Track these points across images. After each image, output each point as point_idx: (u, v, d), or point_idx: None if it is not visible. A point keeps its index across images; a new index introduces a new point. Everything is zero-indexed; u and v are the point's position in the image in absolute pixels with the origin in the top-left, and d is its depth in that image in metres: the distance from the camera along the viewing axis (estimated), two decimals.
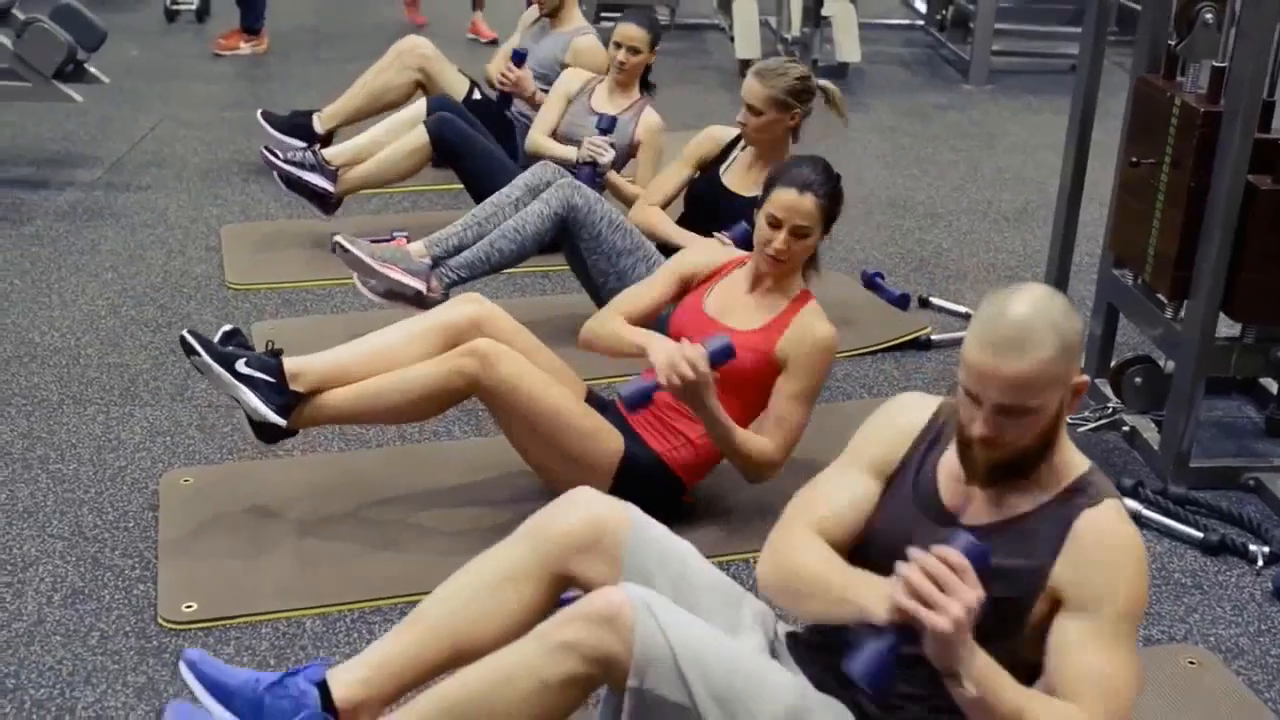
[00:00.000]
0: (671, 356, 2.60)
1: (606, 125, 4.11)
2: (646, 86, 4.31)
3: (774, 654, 2.02)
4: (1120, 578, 1.78)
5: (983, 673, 1.70)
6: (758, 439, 2.78)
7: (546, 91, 4.51)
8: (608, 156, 4.05)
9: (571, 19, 4.78)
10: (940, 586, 1.65)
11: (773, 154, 3.54)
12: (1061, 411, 1.81)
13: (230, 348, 2.77)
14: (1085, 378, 1.82)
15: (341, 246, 3.51)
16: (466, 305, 2.90)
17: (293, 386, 2.74)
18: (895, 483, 1.96)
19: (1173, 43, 3.21)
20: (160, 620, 2.55)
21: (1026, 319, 1.74)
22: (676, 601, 1.92)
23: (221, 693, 2.02)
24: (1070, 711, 1.74)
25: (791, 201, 2.75)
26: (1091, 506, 1.82)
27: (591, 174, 4.02)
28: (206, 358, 2.71)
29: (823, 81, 3.64)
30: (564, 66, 4.60)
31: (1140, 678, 1.81)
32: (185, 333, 2.73)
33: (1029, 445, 1.81)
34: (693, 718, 1.81)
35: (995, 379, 1.74)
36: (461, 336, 2.82)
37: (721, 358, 2.61)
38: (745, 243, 3.31)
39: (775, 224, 2.77)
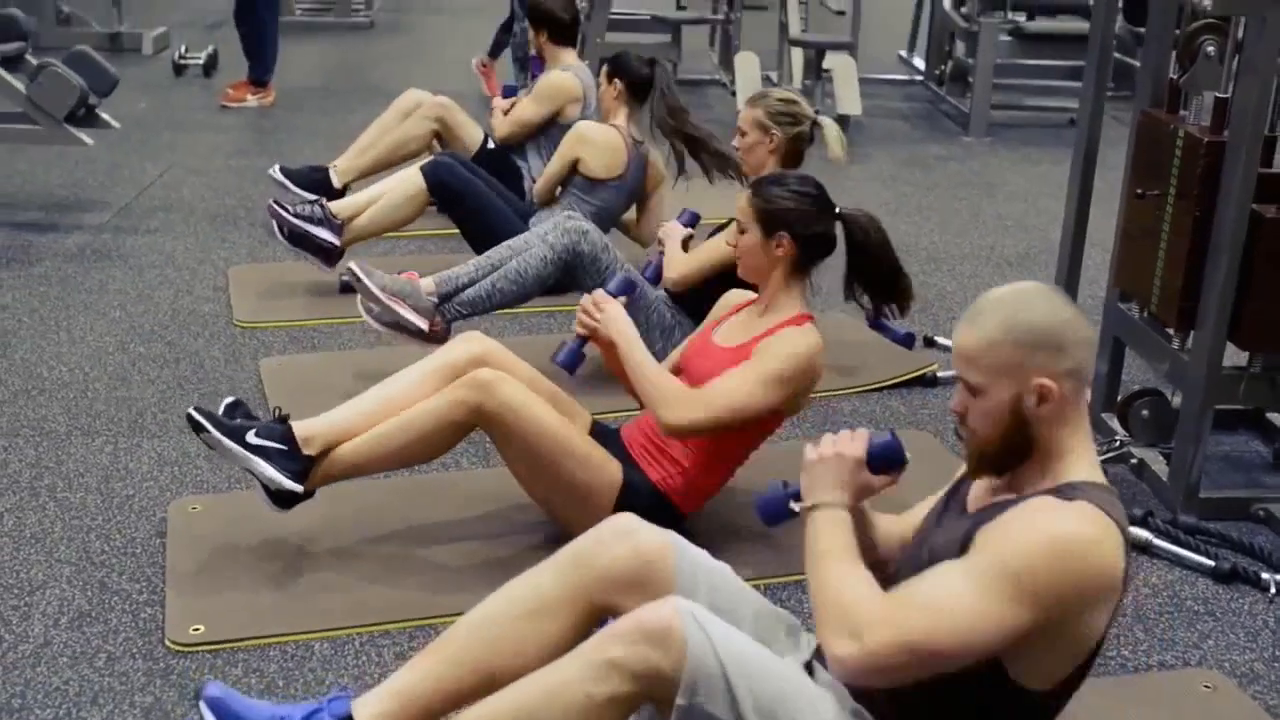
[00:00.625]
0: (581, 303, 2.81)
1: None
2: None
3: (810, 670, 2.00)
4: (1016, 535, 1.72)
5: (826, 516, 1.91)
6: (681, 385, 2.75)
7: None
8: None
9: (558, 60, 4.85)
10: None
11: None
12: (1020, 409, 1.79)
13: (238, 420, 2.75)
14: (1049, 381, 1.78)
15: (354, 274, 3.54)
16: (467, 344, 2.90)
17: (305, 451, 2.72)
18: (951, 486, 2.04)
19: (1175, 76, 3.25)
20: (168, 642, 2.54)
21: (991, 297, 1.83)
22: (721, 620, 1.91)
23: None
24: (864, 594, 1.76)
25: (739, 198, 2.86)
26: (1053, 498, 1.78)
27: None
28: (216, 433, 2.68)
29: (821, 117, 3.67)
30: None
31: (962, 628, 1.69)
32: (191, 410, 2.70)
33: (995, 439, 1.82)
34: None
35: (954, 348, 1.86)
36: (463, 375, 2.82)
37: (623, 289, 2.88)
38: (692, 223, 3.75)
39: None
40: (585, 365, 3.01)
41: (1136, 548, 3.00)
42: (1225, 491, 3.23)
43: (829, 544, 1.87)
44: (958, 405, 1.87)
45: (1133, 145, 3.40)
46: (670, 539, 2.06)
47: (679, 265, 3.65)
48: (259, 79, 7.04)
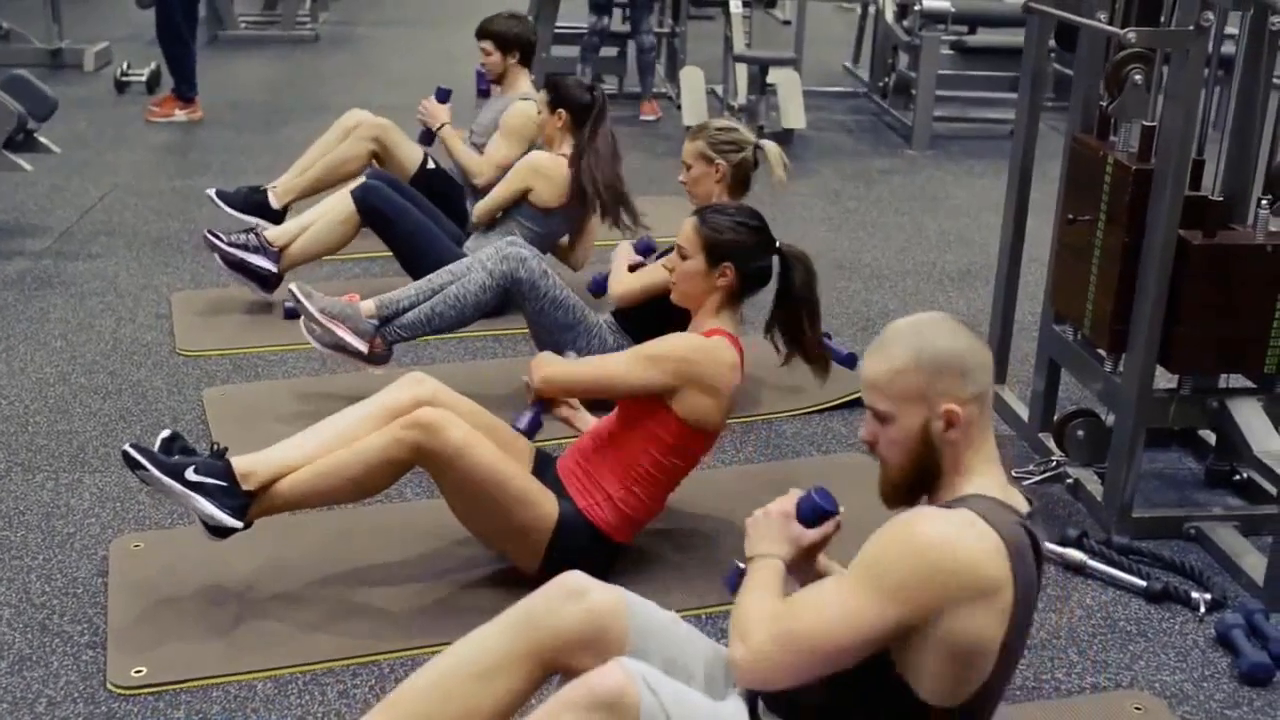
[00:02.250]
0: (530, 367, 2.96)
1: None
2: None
3: (753, 708, 2.02)
4: (881, 539, 1.82)
5: (759, 565, 2.00)
6: (568, 361, 3.03)
7: (472, 140, 4.82)
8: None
9: (518, 85, 4.86)
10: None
11: None
12: (928, 435, 1.87)
13: (175, 455, 2.73)
14: (955, 406, 1.85)
15: (295, 297, 3.55)
16: (411, 387, 2.90)
17: (244, 486, 2.71)
18: None
19: (1104, 103, 3.31)
20: (110, 686, 2.53)
21: (895, 328, 1.92)
22: (670, 675, 1.94)
23: None
24: (754, 612, 1.88)
25: (684, 225, 2.91)
26: (936, 508, 1.86)
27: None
28: (154, 471, 2.66)
29: (763, 140, 3.72)
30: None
31: (829, 622, 1.80)
32: (127, 447, 2.68)
33: (906, 466, 1.90)
34: None
35: (862, 378, 1.93)
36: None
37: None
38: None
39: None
40: (517, 394, 3.05)
41: (1071, 569, 3.06)
42: (1158, 510, 3.29)
43: (754, 583, 1.98)
44: (867, 435, 1.95)
45: (1064, 171, 3.46)
46: (622, 598, 2.07)
47: (622, 283, 3.73)
48: (185, 94, 7.02)
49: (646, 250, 3.83)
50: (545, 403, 2.93)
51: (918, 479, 1.91)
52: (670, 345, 2.85)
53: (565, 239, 4.57)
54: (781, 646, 1.83)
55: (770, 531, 2.05)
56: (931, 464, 1.89)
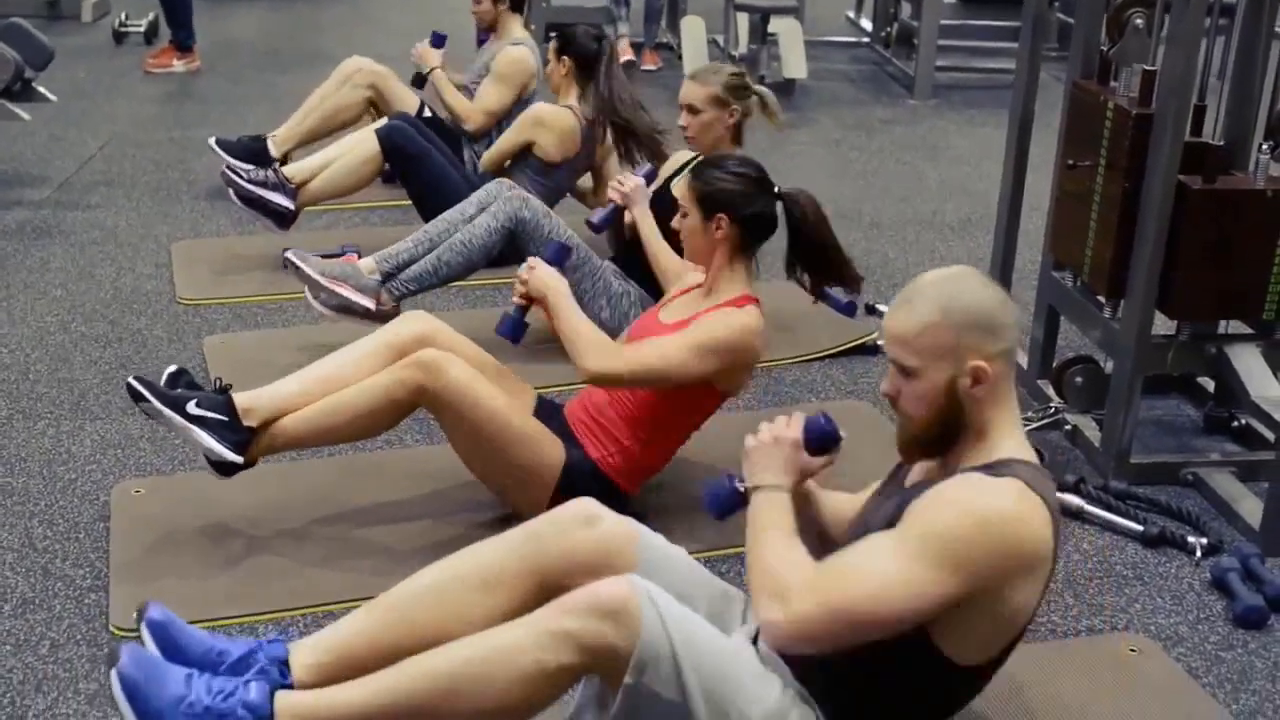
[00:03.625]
0: (517, 274, 2.86)
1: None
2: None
3: (755, 643, 2.03)
4: (941, 505, 1.78)
5: (767, 498, 1.97)
6: (603, 336, 2.80)
7: (469, 88, 4.78)
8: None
9: (509, 31, 4.84)
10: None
11: None
12: (956, 392, 1.84)
13: (179, 390, 2.75)
14: (984, 363, 1.83)
15: (292, 263, 3.54)
16: (412, 323, 2.92)
17: (245, 422, 2.73)
18: (890, 472, 2.10)
19: (1105, 48, 3.29)
20: (112, 628, 2.55)
21: (923, 282, 1.88)
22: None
23: (180, 660, 1.99)
24: (795, 562, 1.84)
25: (682, 181, 2.89)
26: (982, 474, 1.83)
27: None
28: (156, 403, 2.69)
29: (758, 86, 3.69)
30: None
31: (884, 592, 1.75)
32: (131, 379, 2.71)
33: (930, 421, 1.87)
34: (683, 713, 1.82)
35: (886, 334, 1.90)
36: (407, 354, 2.82)
37: (557, 255, 2.90)
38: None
39: None
40: (531, 340, 3.04)
41: (1068, 514, 3.07)
42: (1156, 456, 3.30)
43: (766, 520, 1.94)
44: (890, 389, 1.91)
45: (1065, 116, 3.44)
46: (635, 529, 2.08)
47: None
48: (183, 43, 6.99)
49: (651, 175, 3.75)
50: (528, 305, 2.87)
51: (939, 434, 1.89)
52: (724, 336, 2.76)
53: (588, 182, 4.57)
54: (831, 615, 1.77)
55: (775, 460, 2.01)
56: (955, 420, 1.87)
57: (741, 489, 2.06)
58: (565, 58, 4.25)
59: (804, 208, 2.85)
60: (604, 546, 2.03)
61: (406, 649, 1.96)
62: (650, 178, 3.73)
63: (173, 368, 2.83)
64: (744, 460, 2.05)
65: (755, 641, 2.03)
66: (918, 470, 1.98)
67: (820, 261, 2.92)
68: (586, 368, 2.73)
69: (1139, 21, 3.15)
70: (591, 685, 1.98)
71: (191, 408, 2.71)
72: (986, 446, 1.88)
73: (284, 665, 1.99)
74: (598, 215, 3.58)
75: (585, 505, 2.10)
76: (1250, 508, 3.05)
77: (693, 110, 3.59)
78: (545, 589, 2.02)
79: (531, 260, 2.88)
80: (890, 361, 1.90)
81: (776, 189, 2.88)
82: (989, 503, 1.76)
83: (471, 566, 2.06)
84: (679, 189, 2.89)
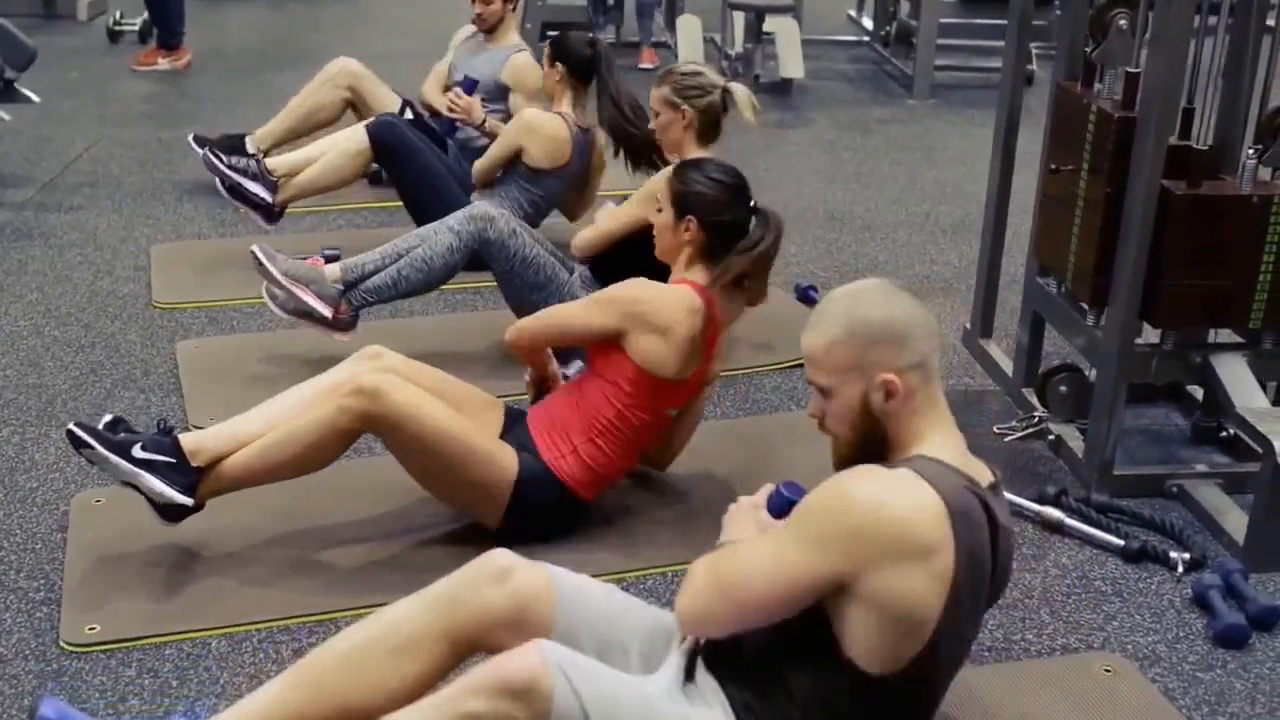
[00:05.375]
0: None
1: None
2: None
3: (691, 666, 1.97)
4: (817, 494, 1.81)
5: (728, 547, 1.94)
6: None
7: (496, 115, 4.55)
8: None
9: (508, 36, 4.76)
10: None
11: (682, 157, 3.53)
12: (869, 407, 1.85)
13: (121, 434, 2.67)
14: (892, 376, 1.83)
15: (256, 258, 3.48)
16: (367, 362, 2.82)
17: (194, 463, 2.65)
18: None
19: (1089, 50, 3.22)
20: (62, 644, 2.50)
21: (829, 299, 1.91)
22: (603, 653, 1.90)
23: None
24: (695, 570, 1.89)
25: (663, 178, 2.91)
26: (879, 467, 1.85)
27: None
28: (100, 449, 2.61)
29: (731, 84, 3.61)
30: (500, 84, 4.61)
31: (755, 571, 1.81)
32: (72, 426, 2.62)
33: (853, 440, 1.88)
34: None
35: (803, 352, 1.91)
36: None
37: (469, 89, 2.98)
38: None
39: None
40: (501, 349, 3.01)
41: (1048, 527, 3.00)
42: (1141, 468, 3.22)
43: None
44: (814, 410, 1.94)
45: (1049, 119, 3.37)
46: (548, 577, 2.01)
47: (585, 236, 3.64)
48: (167, 42, 6.97)
49: (470, 88, 3.93)
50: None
51: (864, 451, 1.88)
52: (621, 288, 2.82)
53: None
54: (716, 592, 1.84)
55: (741, 521, 2.05)
56: (877, 435, 1.86)
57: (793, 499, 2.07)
58: (559, 64, 4.17)
59: (771, 231, 2.83)
60: (517, 601, 1.97)
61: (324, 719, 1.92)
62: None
63: (109, 416, 2.73)
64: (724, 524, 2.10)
65: (693, 659, 1.98)
66: None
67: (750, 276, 2.89)
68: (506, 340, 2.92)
69: (1123, 22, 3.07)
70: None
71: (137, 451, 2.62)
72: (908, 453, 1.87)
73: None
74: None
75: (495, 559, 2.03)
76: (1235, 521, 2.97)
77: (654, 113, 3.59)
78: (464, 647, 1.98)
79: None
80: (808, 382, 1.91)
81: (753, 202, 2.84)
82: (857, 485, 1.78)
83: (387, 631, 1.99)
84: (659, 184, 2.90)
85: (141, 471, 2.61)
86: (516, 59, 4.65)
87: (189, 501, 2.65)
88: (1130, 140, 2.97)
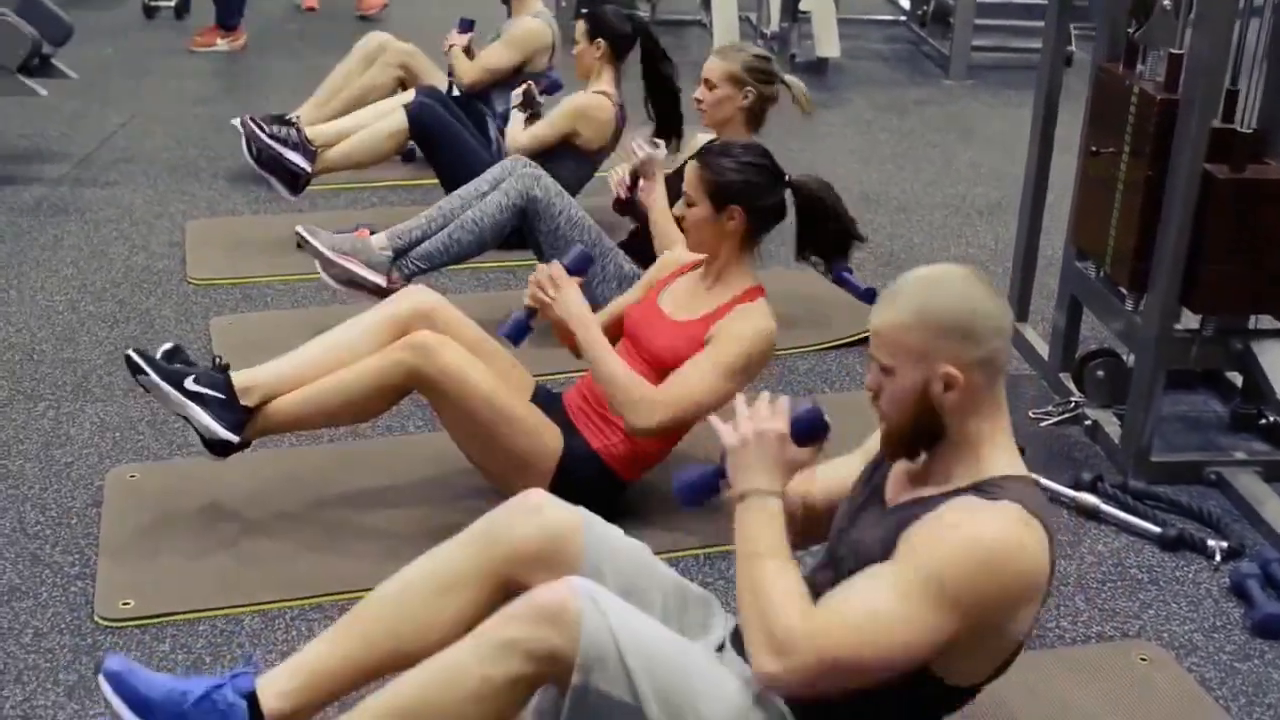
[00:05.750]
0: (534, 278, 2.70)
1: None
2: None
3: (721, 648, 1.99)
4: (943, 542, 1.68)
5: (757, 505, 1.81)
6: (643, 382, 2.69)
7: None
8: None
9: (527, 5, 4.77)
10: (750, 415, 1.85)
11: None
12: (927, 395, 1.76)
13: (176, 365, 2.72)
14: (955, 370, 1.74)
15: (302, 237, 3.50)
16: (412, 297, 2.87)
17: (243, 401, 2.69)
18: (869, 469, 1.99)
19: (1131, 30, 3.17)
20: (96, 618, 2.52)
21: (910, 277, 1.82)
22: (627, 597, 1.89)
23: (142, 708, 1.95)
24: (795, 594, 1.72)
25: (689, 167, 2.79)
26: (978, 498, 1.74)
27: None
28: (154, 376, 2.65)
29: (788, 76, 3.60)
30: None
31: (888, 640, 1.66)
32: (130, 352, 2.68)
33: (904, 424, 1.81)
34: (635, 715, 1.76)
35: (870, 325, 1.83)
36: (408, 329, 2.78)
37: (579, 265, 2.75)
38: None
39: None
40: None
41: (1084, 514, 2.97)
42: (1179, 454, 3.19)
43: (757, 543, 1.79)
44: (872, 383, 1.85)
45: (1089, 101, 3.33)
46: (580, 516, 2.03)
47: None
48: (227, 22, 6.93)
49: (468, 27, 3.95)
50: (537, 313, 2.76)
51: (915, 437, 1.82)
52: (750, 349, 2.71)
53: None
54: (833, 666, 1.68)
55: (764, 459, 1.83)
56: (931, 425, 1.79)
57: (718, 479, 1.94)
58: (600, 40, 4.15)
59: (814, 191, 2.79)
60: (548, 535, 1.99)
61: (373, 666, 1.95)
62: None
63: (168, 345, 2.79)
64: (729, 458, 1.89)
65: (724, 644, 1.97)
66: (900, 482, 1.89)
67: (832, 244, 2.87)
68: (637, 426, 2.67)
69: (1166, 3, 3.02)
70: (549, 696, 1.92)
71: (189, 384, 2.67)
72: (974, 460, 1.80)
73: (252, 697, 1.94)
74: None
75: (530, 496, 2.06)
76: (1275, 510, 2.94)
77: (709, 85, 3.53)
78: (502, 583, 1.98)
79: (556, 272, 2.72)
80: (870, 355, 1.84)
81: (787, 177, 2.81)
82: (988, 535, 1.68)
83: (428, 573, 2.02)
84: (686, 178, 2.80)
85: (191, 404, 2.65)
86: (525, 19, 4.71)
87: (234, 439, 2.69)
88: (1173, 123, 2.93)
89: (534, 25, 4.68)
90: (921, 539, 1.71)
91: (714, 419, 1.96)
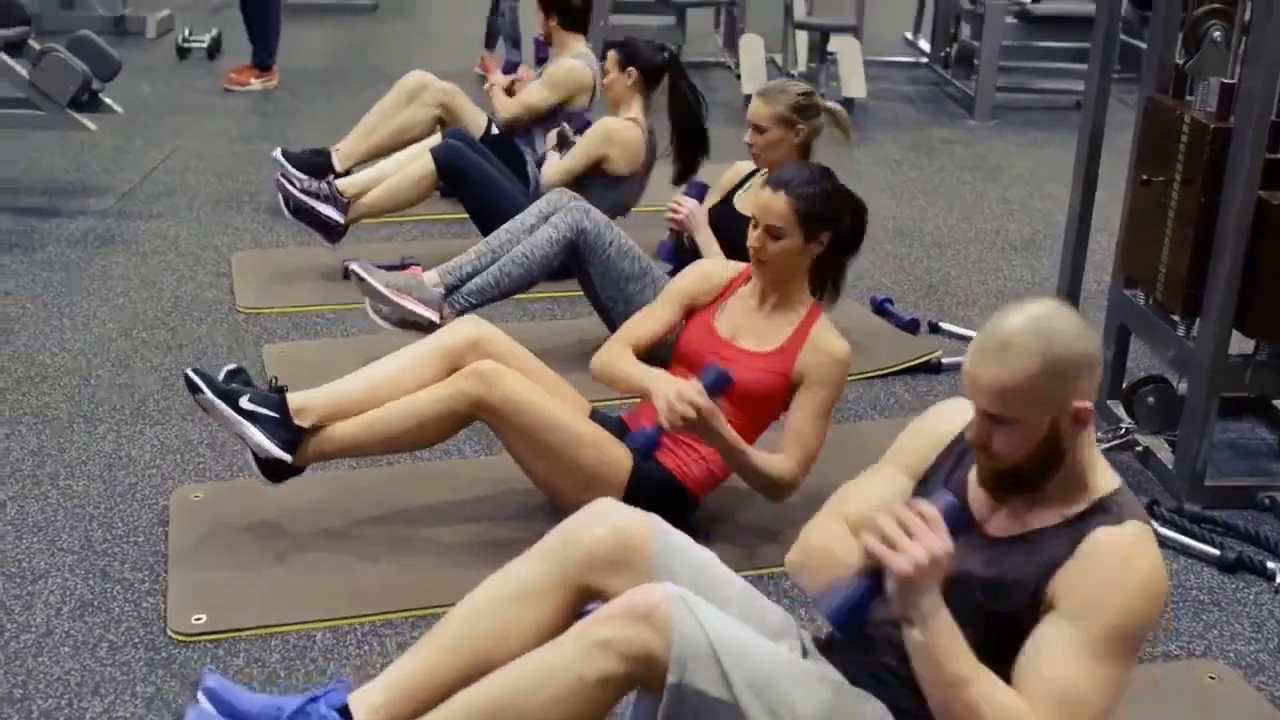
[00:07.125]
0: (669, 398, 2.60)
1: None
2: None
3: (805, 654, 2.01)
4: (1117, 593, 1.71)
5: (939, 629, 1.70)
6: (775, 460, 2.76)
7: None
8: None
9: (568, 46, 4.84)
10: (909, 534, 1.69)
11: None
12: (1059, 433, 1.75)
13: (234, 385, 2.76)
14: (1087, 404, 1.74)
15: (356, 275, 3.52)
16: (465, 327, 2.90)
17: (298, 421, 2.73)
18: (926, 486, 1.95)
19: (1181, 61, 3.23)
20: (170, 632, 2.54)
21: (1014, 330, 1.73)
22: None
23: None
24: (1018, 708, 1.69)
25: (765, 199, 2.78)
26: (1111, 525, 1.76)
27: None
28: (210, 395, 2.70)
29: (828, 102, 3.66)
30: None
31: (1112, 704, 1.71)
32: (189, 371, 2.72)
33: (1022, 464, 1.78)
34: (732, 712, 1.79)
35: (976, 385, 1.75)
36: (461, 359, 2.82)
37: (719, 387, 2.65)
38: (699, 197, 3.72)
39: (754, 223, 2.80)
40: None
41: None
42: (1231, 480, 3.21)
43: (956, 666, 1.72)
44: (977, 438, 1.79)
45: (1138, 131, 3.37)
46: (650, 522, 2.05)
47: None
48: (262, 62, 7.02)
49: (700, 193, 3.71)
50: (663, 428, 2.66)
51: (1037, 475, 1.79)
52: (839, 379, 2.82)
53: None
54: None
55: (936, 580, 1.70)
56: (1055, 459, 1.78)
57: (871, 598, 1.78)
58: (632, 69, 4.24)
59: (864, 220, 2.94)
60: (618, 537, 2.01)
61: (459, 677, 1.95)
62: (700, 195, 3.70)
63: (231, 365, 2.85)
64: (899, 585, 1.70)
65: (803, 648, 2.00)
66: (992, 505, 1.86)
67: (839, 269, 3.03)
68: (771, 489, 2.79)
69: (1217, 34, 3.08)
70: (644, 699, 1.94)
71: (244, 402, 2.71)
72: (1080, 479, 1.81)
73: (345, 711, 1.97)
74: (664, 250, 3.68)
75: (599, 503, 2.09)
76: None
77: (759, 129, 3.56)
78: (578, 590, 2.02)
79: (695, 397, 2.59)
80: (978, 411, 1.77)
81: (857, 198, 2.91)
82: (1149, 571, 1.73)
83: (509, 580, 2.05)
84: (760, 207, 2.79)
85: (245, 422, 2.69)
86: (567, 60, 4.80)
87: (287, 457, 2.72)
88: (1225, 151, 2.98)
89: (574, 66, 4.75)
90: (1089, 591, 1.72)
91: (869, 540, 1.73)
